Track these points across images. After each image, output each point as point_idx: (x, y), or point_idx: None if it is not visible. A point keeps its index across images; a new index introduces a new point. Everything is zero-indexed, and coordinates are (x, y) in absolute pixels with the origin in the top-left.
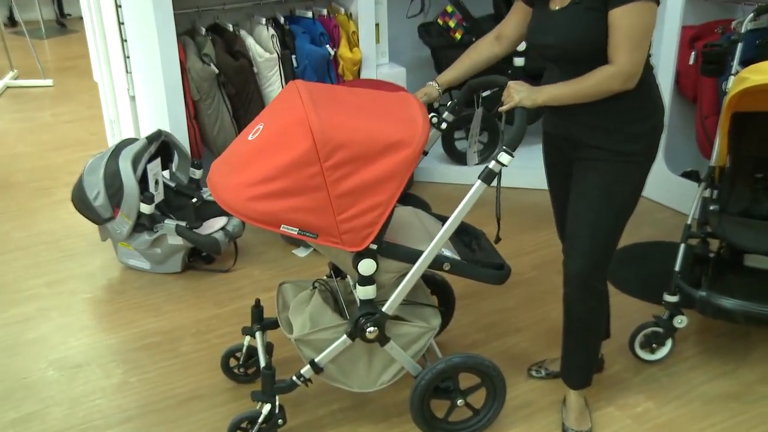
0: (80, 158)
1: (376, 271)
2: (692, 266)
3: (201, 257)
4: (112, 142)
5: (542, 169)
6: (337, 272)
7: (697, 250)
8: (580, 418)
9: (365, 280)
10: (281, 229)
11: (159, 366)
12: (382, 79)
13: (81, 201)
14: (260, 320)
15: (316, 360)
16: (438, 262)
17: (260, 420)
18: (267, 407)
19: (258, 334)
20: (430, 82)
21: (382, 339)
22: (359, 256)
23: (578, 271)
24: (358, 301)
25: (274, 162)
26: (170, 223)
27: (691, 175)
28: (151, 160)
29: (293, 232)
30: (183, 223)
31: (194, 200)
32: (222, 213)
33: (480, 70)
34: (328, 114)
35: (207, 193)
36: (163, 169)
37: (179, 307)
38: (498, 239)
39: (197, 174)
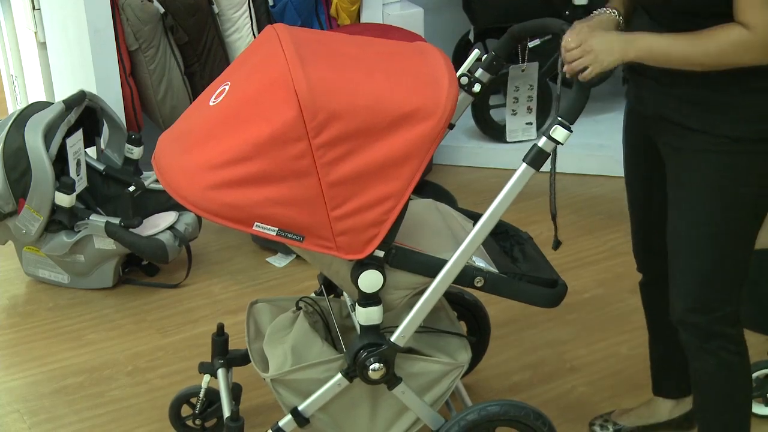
0: None
1: (382, 286)
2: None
3: (140, 267)
4: (14, 106)
5: (611, 148)
6: (329, 288)
7: None
8: None
9: (368, 300)
10: (254, 228)
11: (81, 417)
12: (391, 24)
13: None
14: (224, 353)
15: (300, 408)
16: (468, 275)
17: None
18: None
19: (221, 373)
20: (601, 10)
21: (391, 380)
22: (360, 266)
23: (686, 313)
24: (357, 328)
25: (244, 136)
26: (97, 221)
27: None
28: (70, 133)
29: (270, 232)
30: (115, 221)
31: (131, 188)
32: (171, 207)
33: None
34: (320, 72)
35: (150, 179)
36: (88, 145)
37: (110, 335)
38: (557, 243)
39: (135, 153)
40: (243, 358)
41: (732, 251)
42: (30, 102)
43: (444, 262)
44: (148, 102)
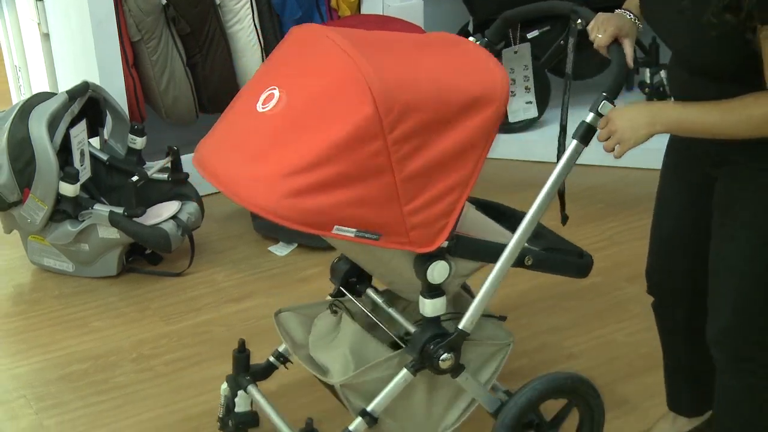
0: None
1: (448, 276)
2: None
3: (144, 256)
4: (18, 97)
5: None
6: (347, 287)
7: None
8: None
9: (434, 291)
10: (334, 231)
11: (86, 403)
12: (390, 15)
13: None
14: (247, 369)
15: (369, 408)
16: (521, 256)
17: None
18: None
19: (251, 389)
20: (619, 11)
21: (457, 368)
22: (428, 258)
23: (725, 334)
24: (403, 322)
25: (319, 140)
26: (101, 210)
27: None
28: (74, 123)
29: (349, 234)
30: (119, 210)
31: (134, 179)
32: (174, 196)
33: None
34: (386, 66)
35: (153, 169)
36: (92, 135)
37: (114, 323)
38: (565, 218)
39: (138, 143)
40: (264, 372)
41: None
42: (34, 93)
43: (502, 246)
44: (151, 92)
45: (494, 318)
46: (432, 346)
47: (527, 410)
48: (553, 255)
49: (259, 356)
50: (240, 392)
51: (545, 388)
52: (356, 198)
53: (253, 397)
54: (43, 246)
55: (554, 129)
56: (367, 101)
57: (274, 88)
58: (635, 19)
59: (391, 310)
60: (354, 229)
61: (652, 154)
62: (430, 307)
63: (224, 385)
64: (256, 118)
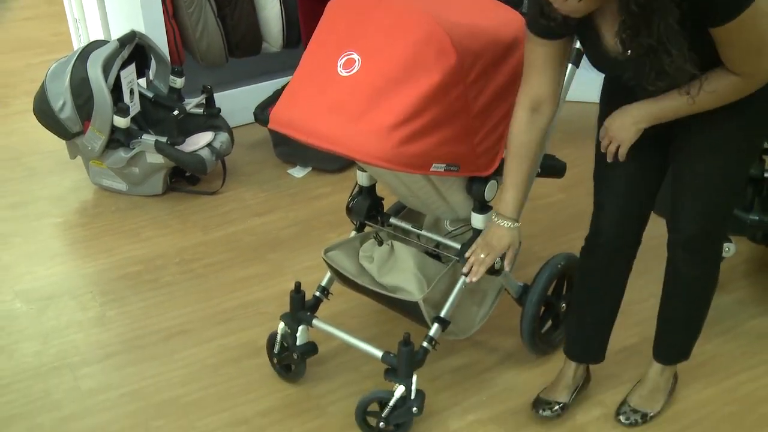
0: (42, 63)
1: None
2: (743, 186)
3: (184, 177)
4: (78, 44)
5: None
6: (369, 219)
7: (751, 170)
8: (655, 397)
9: (485, 207)
10: (431, 169)
11: (140, 298)
12: None
13: (44, 113)
14: (303, 307)
15: (442, 315)
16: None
17: (392, 403)
18: (400, 389)
19: (316, 322)
20: (499, 221)
21: (502, 268)
22: (485, 180)
23: (696, 234)
24: (434, 237)
25: (415, 93)
26: (149, 139)
27: None
28: (124, 66)
29: (440, 170)
30: (163, 139)
31: (175, 113)
32: (209, 128)
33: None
34: (453, 20)
35: (190, 105)
36: (139, 76)
37: (161, 233)
38: None
39: (178, 83)
40: (314, 306)
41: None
42: (91, 40)
43: None
44: (188, 40)
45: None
46: None
47: (546, 289)
48: (546, 162)
49: (282, 260)
50: (301, 327)
51: (553, 272)
52: (445, 138)
53: (322, 328)
54: (101, 169)
55: None
56: (451, 53)
57: (351, 53)
58: (514, 224)
59: (424, 231)
60: (444, 165)
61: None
62: (481, 220)
63: (281, 325)
64: (342, 81)
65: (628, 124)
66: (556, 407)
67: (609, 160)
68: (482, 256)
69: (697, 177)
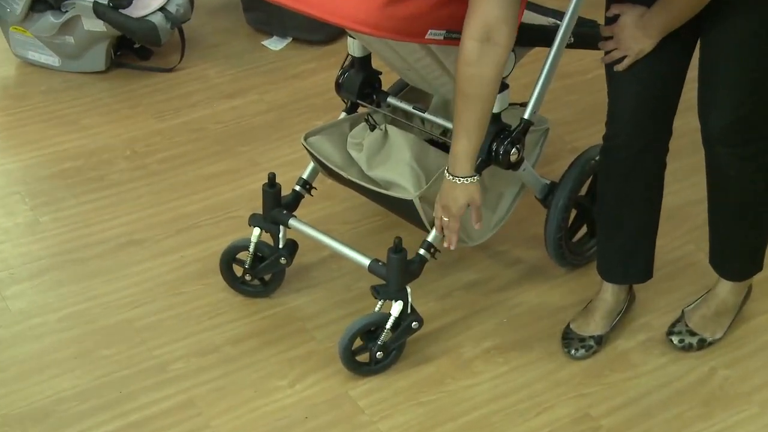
0: None
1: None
2: None
3: (133, 50)
4: None
5: None
6: (362, 98)
7: None
8: (719, 320)
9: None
10: (427, 36)
11: (81, 200)
12: None
13: None
14: (279, 204)
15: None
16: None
17: (390, 324)
18: (397, 306)
19: (293, 221)
20: (451, 179)
21: (521, 160)
22: None
23: (733, 122)
24: (440, 122)
25: None
26: (85, 0)
27: None
28: None
29: (439, 37)
30: (104, 0)
31: None
32: None
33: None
34: None
35: None
36: None
37: (105, 119)
38: None
39: None
40: (294, 203)
41: None
42: None
43: (554, 28)
44: None
45: (518, 105)
46: (498, 143)
47: (578, 188)
48: (584, 30)
49: (255, 153)
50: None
51: (587, 166)
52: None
53: (300, 229)
54: (26, 38)
55: None
56: None
57: None
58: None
59: (429, 114)
60: (443, 31)
61: None
62: (497, 102)
63: (256, 231)
64: None
65: (641, 36)
66: (591, 343)
67: (616, 68)
68: (445, 220)
69: (727, 62)
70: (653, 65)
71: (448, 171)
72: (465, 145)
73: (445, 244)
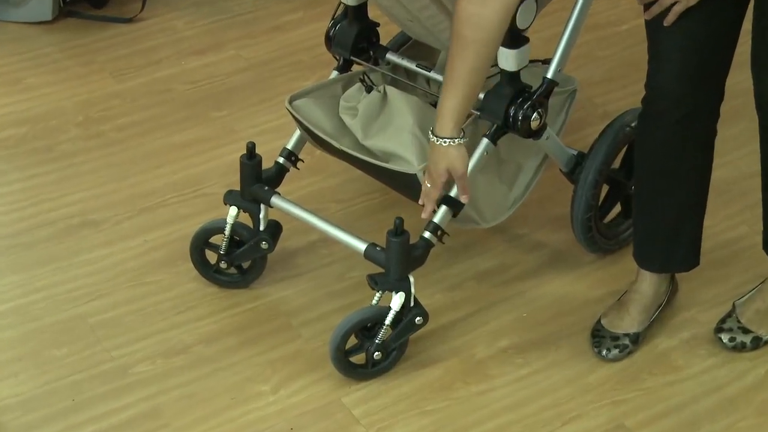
0: None
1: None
2: None
3: None
4: None
5: None
6: (357, 54)
7: None
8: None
9: (520, 39)
10: None
11: (26, 174)
12: None
13: None
14: (259, 178)
15: (452, 194)
16: None
17: (389, 320)
18: (398, 298)
19: (275, 199)
20: (434, 140)
21: (543, 127)
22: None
23: None
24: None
25: None
26: None
27: None
28: None
29: None
30: None
31: None
32: None
33: None
34: None
35: None
36: None
37: (54, 79)
38: None
39: None
40: (277, 178)
41: None
42: None
43: None
44: None
45: (539, 63)
46: (517, 107)
47: (611, 160)
48: None
49: (231, 119)
50: (262, 207)
51: (620, 135)
52: None
53: (284, 209)
54: None
55: None
56: None
57: None
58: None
59: (434, 73)
60: None
61: None
62: (515, 59)
63: (232, 210)
64: None
65: None
66: (626, 342)
67: (664, 21)
68: (428, 185)
69: None
70: (704, 16)
71: (431, 132)
72: (453, 104)
73: (423, 214)
